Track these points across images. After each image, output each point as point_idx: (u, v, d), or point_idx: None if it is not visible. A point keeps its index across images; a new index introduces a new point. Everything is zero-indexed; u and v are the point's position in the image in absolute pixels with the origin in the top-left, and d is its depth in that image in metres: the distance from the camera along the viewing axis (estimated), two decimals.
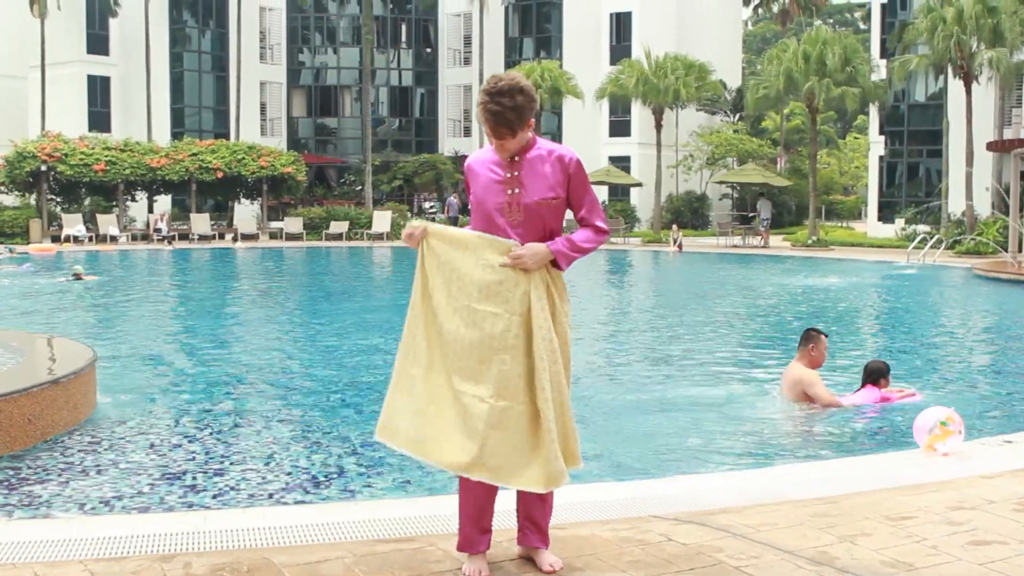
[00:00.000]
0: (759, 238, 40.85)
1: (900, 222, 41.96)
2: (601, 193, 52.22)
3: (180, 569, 4.27)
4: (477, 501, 4.25)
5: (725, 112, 60.69)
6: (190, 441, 7.81)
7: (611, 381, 10.76)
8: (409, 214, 50.59)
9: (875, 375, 8.99)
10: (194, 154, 44.72)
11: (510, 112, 4.06)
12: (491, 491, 4.27)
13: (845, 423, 8.36)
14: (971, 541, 4.67)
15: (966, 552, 4.51)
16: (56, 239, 40.75)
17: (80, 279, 22.86)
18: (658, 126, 46.40)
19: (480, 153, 4.34)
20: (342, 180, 60.26)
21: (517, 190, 4.18)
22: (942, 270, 28.42)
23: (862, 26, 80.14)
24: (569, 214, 4.37)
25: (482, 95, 4.09)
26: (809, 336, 9.02)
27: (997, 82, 37.06)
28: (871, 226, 47.09)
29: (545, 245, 4.15)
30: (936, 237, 33.36)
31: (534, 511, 4.32)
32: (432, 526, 4.85)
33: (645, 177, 49.84)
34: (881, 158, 47.09)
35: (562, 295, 4.25)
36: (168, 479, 6.69)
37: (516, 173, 4.20)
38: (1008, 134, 37.65)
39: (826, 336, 9.14)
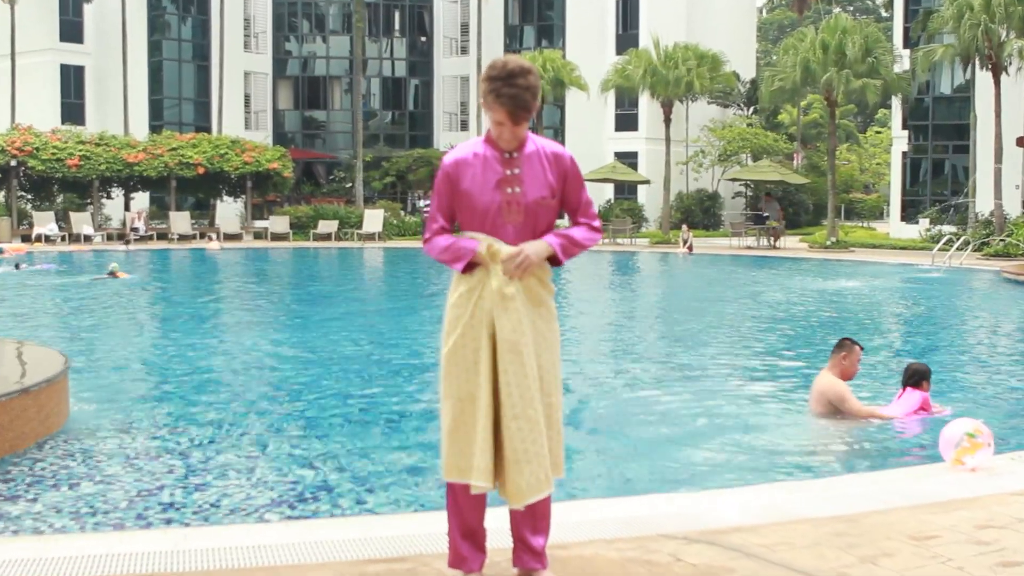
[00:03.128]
0: (773, 238, 40.88)
1: (924, 222, 42.00)
2: (606, 191, 52.32)
3: None
4: (466, 514, 4.27)
5: (738, 105, 60.73)
6: (169, 453, 7.80)
7: (616, 391, 10.76)
8: (402, 212, 50.65)
9: (916, 377, 8.95)
10: (174, 149, 44.72)
11: (527, 93, 4.08)
12: (480, 504, 4.28)
13: (867, 436, 8.36)
14: (1000, 562, 4.66)
15: (994, 574, 4.50)
16: (27, 238, 40.73)
17: (116, 277, 24.34)
18: (667, 120, 46.44)
19: (464, 149, 4.29)
20: (331, 177, 60.29)
21: (517, 188, 4.19)
22: (969, 273, 28.42)
23: (884, 14, 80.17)
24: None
25: (492, 81, 4.07)
26: (842, 345, 8.97)
27: None
28: (893, 226, 47.12)
29: (543, 240, 4.20)
30: (963, 238, 33.36)
31: (524, 530, 4.32)
32: (426, 545, 4.85)
33: (653, 174, 49.88)
34: (904, 154, 47.12)
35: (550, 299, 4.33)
36: (146, 494, 6.69)
37: (516, 171, 4.21)
38: None
39: (861, 347, 9.09)
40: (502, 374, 4.10)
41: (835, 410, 8.73)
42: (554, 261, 4.27)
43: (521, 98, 4.07)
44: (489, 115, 4.16)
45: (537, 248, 4.16)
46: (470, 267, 4.18)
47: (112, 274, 24.53)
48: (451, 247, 4.20)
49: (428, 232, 4.31)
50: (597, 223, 4.39)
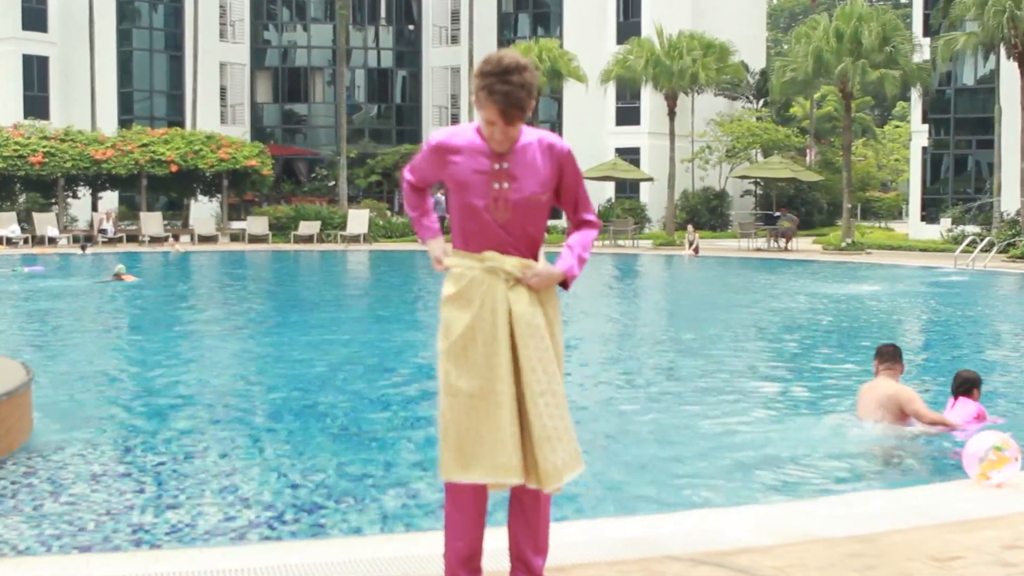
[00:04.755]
0: (784, 240, 40.94)
1: (946, 222, 42.04)
2: (607, 190, 52.32)
3: None
4: (466, 523, 4.26)
5: (747, 98, 60.81)
6: (140, 471, 7.79)
7: (620, 403, 10.76)
8: (389, 213, 50.64)
9: (967, 385, 9.06)
10: (144, 145, 44.67)
11: (521, 91, 4.07)
12: (480, 515, 4.28)
13: (895, 448, 8.36)
14: None
15: None
16: None
17: (121, 280, 24.94)
18: (671, 114, 46.46)
19: (456, 133, 4.30)
20: (313, 175, 60.28)
21: (506, 184, 4.18)
22: (994, 277, 28.46)
23: (902, 0, 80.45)
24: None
25: (485, 77, 4.07)
26: (893, 354, 9.09)
27: None
28: (913, 227, 47.16)
29: (559, 269, 4.26)
30: (987, 239, 33.40)
31: (524, 547, 4.32)
32: (416, 567, 4.84)
33: (657, 171, 49.91)
34: (924, 149, 47.17)
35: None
36: (115, 514, 6.67)
37: (505, 165, 4.20)
38: None
39: None
40: (523, 350, 4.11)
41: (901, 416, 8.79)
42: (562, 285, 4.33)
43: (515, 96, 4.06)
44: (480, 113, 4.15)
45: (549, 275, 4.24)
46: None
47: (117, 276, 25.07)
48: (419, 219, 4.48)
49: (404, 178, 4.53)
50: (595, 218, 4.45)
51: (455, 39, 60.19)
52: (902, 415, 8.80)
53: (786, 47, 52.63)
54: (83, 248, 37.83)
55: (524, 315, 4.12)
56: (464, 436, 4.13)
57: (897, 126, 73.95)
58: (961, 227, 39.66)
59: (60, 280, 26.58)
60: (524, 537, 4.31)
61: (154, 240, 42.67)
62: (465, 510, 4.26)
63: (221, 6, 59.40)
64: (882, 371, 9.06)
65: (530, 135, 4.28)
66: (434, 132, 4.37)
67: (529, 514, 4.30)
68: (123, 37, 55.89)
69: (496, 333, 4.13)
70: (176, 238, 42.95)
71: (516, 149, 4.23)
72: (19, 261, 31.34)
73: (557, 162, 4.28)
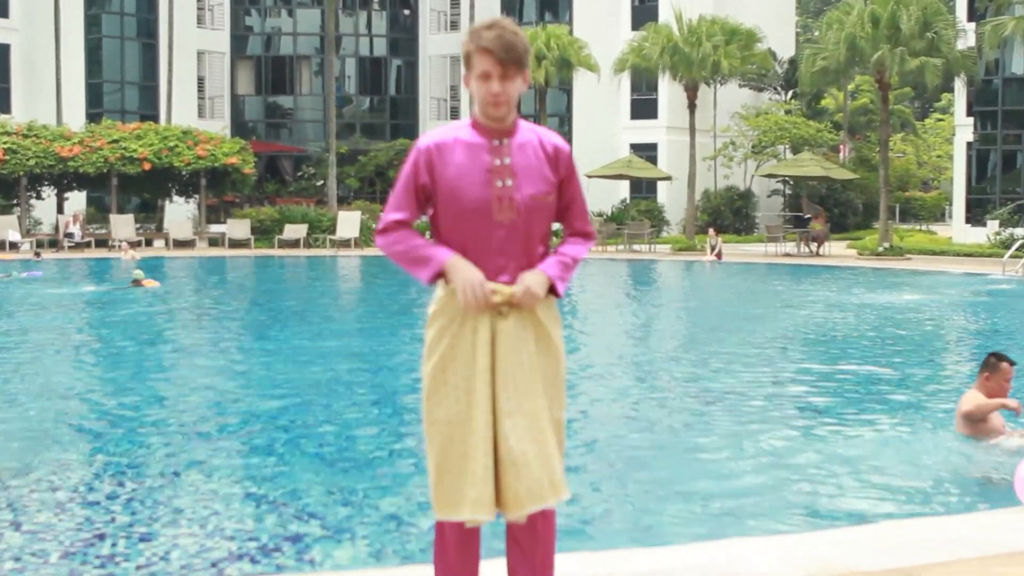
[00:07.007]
0: (816, 244, 40.95)
1: (993, 224, 42.01)
2: (621, 189, 52.35)
3: None
4: (455, 566, 4.26)
5: (775, 89, 60.86)
6: (110, 498, 7.78)
7: (635, 421, 10.74)
8: (382, 215, 50.56)
9: None
10: (115, 141, 44.72)
11: (514, 37, 4.06)
12: (473, 554, 4.28)
13: (946, 470, 8.35)
14: None
15: None
16: None
17: (141, 286, 25.71)
18: (691, 106, 46.47)
19: (444, 132, 4.27)
20: (299, 173, 60.37)
21: (509, 181, 4.16)
22: None
23: None
24: None
25: (471, 34, 4.06)
26: (986, 362, 9.11)
27: None
28: (957, 230, 47.16)
29: (543, 274, 4.19)
30: None
31: None
32: None
33: (676, 169, 49.92)
34: (969, 145, 47.18)
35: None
36: (82, 546, 6.67)
37: (507, 160, 4.18)
38: None
39: (1011, 363, 9.11)
40: (499, 366, 4.10)
41: (980, 427, 8.85)
42: (552, 292, 4.27)
43: (507, 39, 4.04)
44: (472, 75, 4.11)
45: (538, 285, 4.15)
46: (437, 276, 4.18)
47: (137, 283, 25.71)
48: (414, 249, 4.20)
49: (384, 222, 4.26)
50: (591, 228, 4.44)
51: (455, 25, 60.28)
52: (980, 425, 8.83)
53: (817, 33, 52.66)
54: (36, 255, 37.81)
55: (506, 328, 4.12)
56: (446, 469, 4.13)
57: (939, 119, 73.93)
58: (1010, 230, 39.61)
59: (70, 288, 26.76)
60: (521, 568, 4.30)
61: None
62: (452, 553, 4.26)
63: None
64: (975, 383, 9.13)
65: (528, 132, 4.26)
66: (419, 139, 4.32)
67: (524, 543, 4.28)
68: (91, 23, 55.97)
69: (476, 352, 4.11)
70: (149, 242, 42.96)
71: (516, 144, 4.21)
72: (11, 267, 31.60)
73: (557, 163, 4.27)
